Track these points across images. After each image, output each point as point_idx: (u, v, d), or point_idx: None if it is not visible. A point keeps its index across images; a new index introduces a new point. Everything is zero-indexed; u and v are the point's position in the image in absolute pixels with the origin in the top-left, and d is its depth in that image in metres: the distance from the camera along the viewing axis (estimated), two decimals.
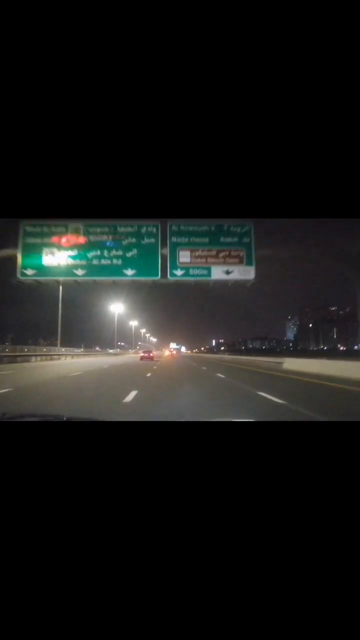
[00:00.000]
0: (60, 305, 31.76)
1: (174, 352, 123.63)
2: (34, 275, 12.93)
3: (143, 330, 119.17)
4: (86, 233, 12.88)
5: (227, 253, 12.83)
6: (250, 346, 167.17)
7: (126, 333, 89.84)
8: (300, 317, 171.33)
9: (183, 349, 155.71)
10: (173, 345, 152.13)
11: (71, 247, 12.90)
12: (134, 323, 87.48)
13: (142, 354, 36.45)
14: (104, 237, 12.89)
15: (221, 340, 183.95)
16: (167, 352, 75.73)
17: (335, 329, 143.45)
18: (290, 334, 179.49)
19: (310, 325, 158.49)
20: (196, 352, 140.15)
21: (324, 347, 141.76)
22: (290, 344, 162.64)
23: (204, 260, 12.85)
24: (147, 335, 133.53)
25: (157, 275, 12.86)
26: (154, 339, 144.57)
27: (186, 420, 1.65)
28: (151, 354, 36.86)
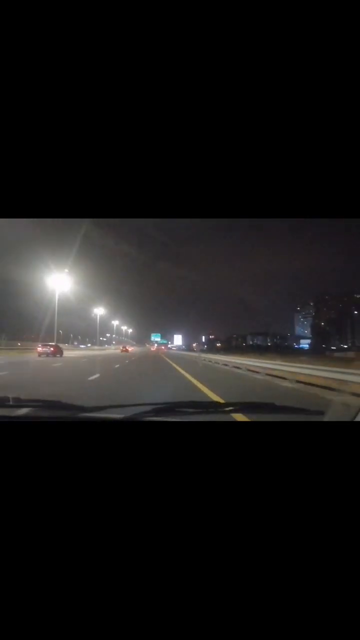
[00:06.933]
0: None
1: (162, 347, 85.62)
2: None
3: (124, 327, 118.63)
4: None
5: None
6: (251, 343, 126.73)
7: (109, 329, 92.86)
8: (317, 307, 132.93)
9: (180, 341, 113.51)
10: (155, 337, 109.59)
11: None
12: (115, 322, 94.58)
13: (39, 348, 26.51)
14: None
15: (211, 337, 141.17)
16: (121, 348, 58.10)
17: None
18: (300, 329, 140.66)
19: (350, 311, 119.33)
20: (183, 350, 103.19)
21: None
22: (309, 341, 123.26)
23: None
24: (129, 330, 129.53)
25: None
26: (130, 331, 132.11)
27: (182, 420, 1.55)
28: (52, 349, 26.65)
